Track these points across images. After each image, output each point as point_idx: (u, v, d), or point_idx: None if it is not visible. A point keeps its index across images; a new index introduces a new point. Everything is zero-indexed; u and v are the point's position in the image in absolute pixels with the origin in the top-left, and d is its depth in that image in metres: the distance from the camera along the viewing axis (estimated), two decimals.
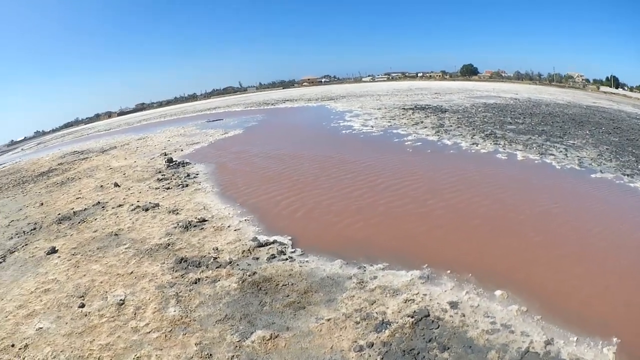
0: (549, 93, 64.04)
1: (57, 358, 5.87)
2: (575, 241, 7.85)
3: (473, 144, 16.31)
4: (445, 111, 28.16)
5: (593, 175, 12.40)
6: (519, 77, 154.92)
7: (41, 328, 6.62)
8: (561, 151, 15.26)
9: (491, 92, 58.48)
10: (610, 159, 14.45)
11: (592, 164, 13.71)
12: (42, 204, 15.04)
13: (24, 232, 11.93)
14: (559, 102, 41.59)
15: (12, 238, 11.59)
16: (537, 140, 17.16)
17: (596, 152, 15.44)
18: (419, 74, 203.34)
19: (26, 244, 10.68)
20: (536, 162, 13.76)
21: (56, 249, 9.79)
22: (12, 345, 6.32)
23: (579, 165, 13.52)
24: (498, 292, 6.28)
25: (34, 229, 12.00)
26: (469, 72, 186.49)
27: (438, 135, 18.29)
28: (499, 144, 16.19)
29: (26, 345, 6.27)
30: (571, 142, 17.14)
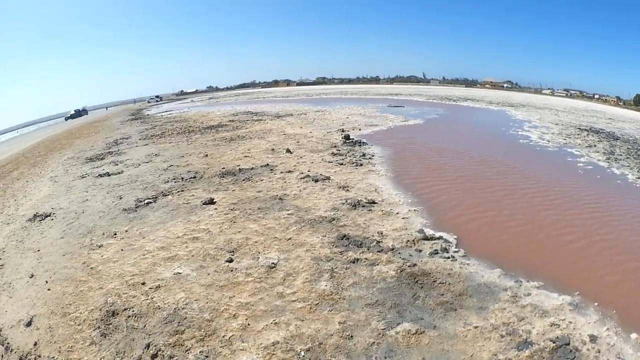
0: None
1: (189, 305, 6.08)
2: None
3: (639, 177, 15.95)
4: (618, 139, 28.23)
5: None
6: None
7: (179, 273, 6.87)
8: None
9: None
10: None
11: None
12: (206, 155, 16.13)
13: (182, 178, 12.70)
14: None
15: (167, 182, 12.44)
16: None
17: None
18: (595, 96, 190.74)
19: (182, 190, 11.29)
20: None
21: (214, 200, 10.09)
22: (143, 284, 6.53)
23: None
24: (634, 336, 6.20)
25: (194, 177, 12.70)
26: None
27: (608, 162, 17.90)
28: None
29: (158, 287, 6.52)
30: None
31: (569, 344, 6.06)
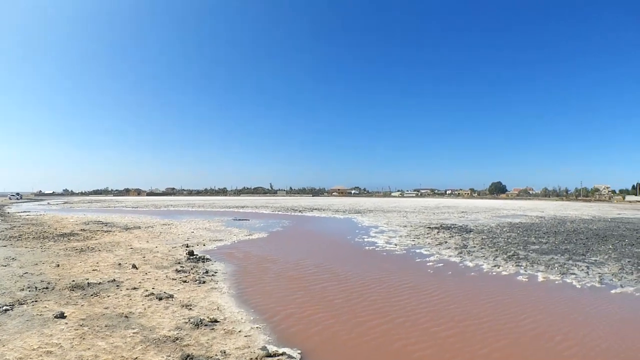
0: (574, 209, 77.47)
1: None
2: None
3: (495, 265, 17.84)
4: (470, 231, 31.32)
5: (613, 291, 13.95)
6: (546, 194, 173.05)
7: None
8: (582, 269, 17.33)
9: (517, 210, 69.47)
10: (631, 271, 16.79)
11: (613, 279, 15.61)
12: (58, 265, 16.67)
13: (36, 287, 13.25)
14: (584, 217, 50.52)
15: (23, 290, 12.93)
16: (560, 259, 19.24)
17: (618, 266, 17.79)
18: (447, 191, 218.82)
19: (36, 301, 11.83)
20: (557, 282, 15.09)
21: (65, 314, 10.66)
22: None
23: (600, 282, 15.18)
24: None
25: (47, 287, 13.29)
26: (497, 189, 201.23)
27: (460, 257, 19.87)
28: (521, 266, 17.89)
29: None
30: (593, 258, 19.72)
31: None
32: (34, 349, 8.53)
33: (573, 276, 15.95)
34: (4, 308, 11.09)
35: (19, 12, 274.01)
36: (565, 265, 17.82)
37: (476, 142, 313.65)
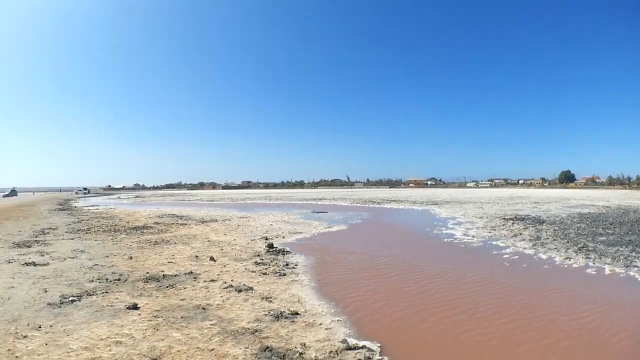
0: (636, 197, 79.41)
1: None
2: None
3: (566, 258, 17.61)
4: (543, 222, 31.09)
5: None
6: (611, 182, 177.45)
7: None
8: None
9: (585, 200, 69.67)
10: None
11: None
12: (131, 257, 16.22)
13: (106, 279, 12.74)
14: None
15: (92, 281, 12.46)
16: (624, 251, 18.72)
17: None
18: (520, 181, 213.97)
19: (106, 292, 11.33)
20: (621, 275, 14.57)
21: (138, 305, 10.16)
22: None
23: None
24: None
25: (118, 279, 12.76)
26: (566, 178, 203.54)
27: (535, 249, 19.67)
28: (590, 258, 17.51)
29: None
30: None
31: None
32: (101, 339, 8.05)
33: (636, 269, 15.33)
34: (71, 299, 10.52)
35: (117, 15, 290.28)
36: (629, 258, 17.32)
37: (544, 129, 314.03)
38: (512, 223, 30.44)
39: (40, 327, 8.52)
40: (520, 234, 24.41)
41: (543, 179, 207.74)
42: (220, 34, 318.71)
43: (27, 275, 12.97)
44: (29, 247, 18.48)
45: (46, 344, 7.66)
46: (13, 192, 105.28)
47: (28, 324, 8.61)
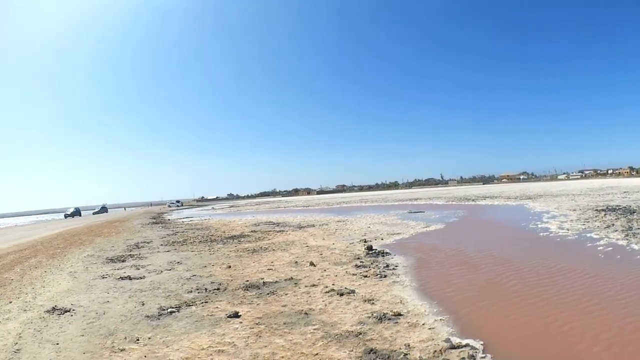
0: None
1: None
2: None
3: None
4: (634, 212, 30.18)
5: None
6: None
7: None
8: None
9: None
10: None
11: None
12: (229, 266, 16.15)
13: (205, 289, 12.64)
14: None
15: (191, 292, 12.37)
16: None
17: None
18: (608, 171, 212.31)
19: (206, 302, 11.20)
20: None
21: (239, 314, 9.99)
22: None
23: None
24: None
25: (217, 289, 12.64)
26: None
27: (627, 240, 18.56)
28: None
29: None
30: None
31: None
32: (203, 349, 7.87)
33: None
34: (169, 310, 10.45)
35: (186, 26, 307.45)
36: None
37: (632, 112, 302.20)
38: (604, 214, 29.61)
39: (138, 339, 8.43)
40: (613, 224, 23.49)
41: (631, 168, 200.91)
42: (312, 41, 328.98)
43: (123, 289, 13.11)
44: (123, 261, 18.72)
45: (145, 356, 7.54)
46: (103, 209, 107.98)
47: (125, 337, 8.54)
